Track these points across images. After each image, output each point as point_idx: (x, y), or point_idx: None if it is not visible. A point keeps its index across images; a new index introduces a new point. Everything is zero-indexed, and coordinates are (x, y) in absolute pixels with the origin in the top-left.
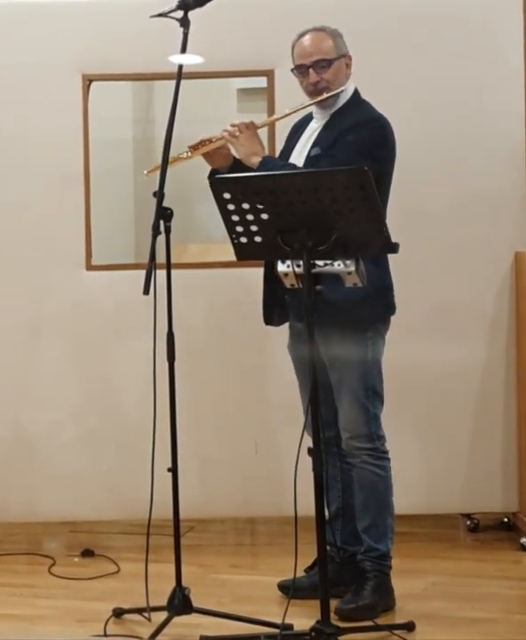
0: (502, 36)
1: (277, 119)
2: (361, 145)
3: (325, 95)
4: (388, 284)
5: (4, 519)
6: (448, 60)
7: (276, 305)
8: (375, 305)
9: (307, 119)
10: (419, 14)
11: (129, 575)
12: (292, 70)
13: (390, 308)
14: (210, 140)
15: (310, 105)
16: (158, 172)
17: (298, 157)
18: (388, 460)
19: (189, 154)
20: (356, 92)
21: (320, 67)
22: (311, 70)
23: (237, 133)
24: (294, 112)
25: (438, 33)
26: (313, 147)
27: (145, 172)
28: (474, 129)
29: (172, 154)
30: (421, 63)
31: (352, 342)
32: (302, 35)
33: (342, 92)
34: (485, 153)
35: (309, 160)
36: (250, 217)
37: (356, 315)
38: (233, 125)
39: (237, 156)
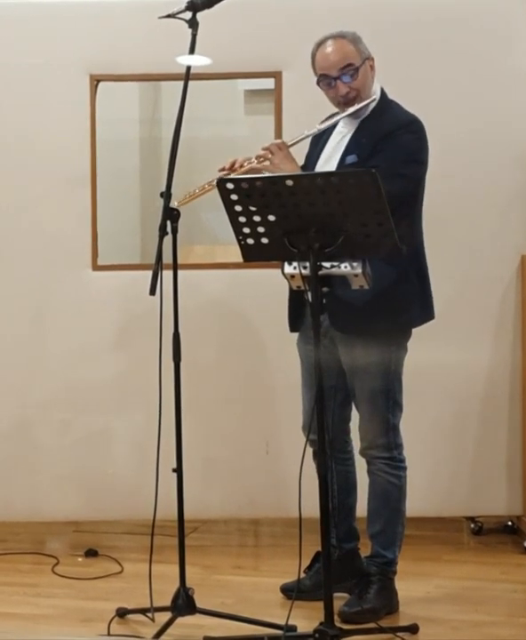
0: (510, 40)
1: (308, 135)
2: (404, 151)
3: (357, 106)
4: (413, 295)
5: (9, 518)
6: (455, 62)
7: (303, 311)
8: (403, 314)
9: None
10: (426, 17)
11: (132, 575)
12: (318, 83)
13: (420, 317)
14: (241, 165)
15: (342, 117)
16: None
17: (327, 164)
18: (404, 468)
19: None
20: (383, 94)
21: (347, 77)
22: (338, 82)
23: (269, 156)
24: (326, 127)
25: (445, 36)
26: (347, 154)
27: (176, 202)
28: (482, 132)
29: (203, 181)
30: (428, 66)
31: (375, 353)
32: (322, 43)
33: (373, 100)
34: (492, 156)
35: (345, 168)
36: (257, 218)
37: (384, 323)
38: (264, 148)
39: None
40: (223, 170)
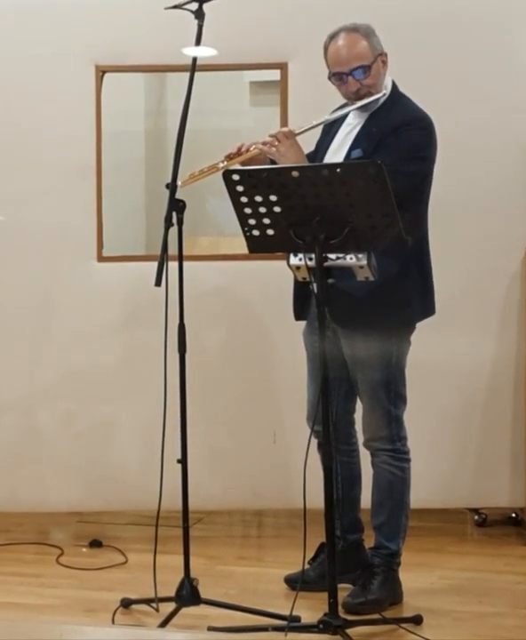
0: (515, 34)
1: (315, 125)
2: (407, 148)
3: (366, 100)
4: (413, 290)
5: (13, 509)
6: (460, 56)
7: (308, 300)
8: (404, 308)
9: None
10: (432, 11)
11: (137, 566)
12: (329, 78)
13: (420, 312)
14: (247, 149)
15: (351, 110)
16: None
17: (334, 156)
18: (408, 460)
19: (225, 163)
20: (394, 87)
21: (358, 73)
22: (350, 78)
23: (276, 143)
24: (334, 119)
25: (451, 29)
26: (353, 148)
27: (179, 182)
28: (487, 125)
29: (207, 164)
30: (433, 60)
31: (376, 345)
32: (334, 37)
33: (383, 95)
34: (498, 149)
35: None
36: (262, 210)
37: (384, 318)
38: (271, 135)
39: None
40: (229, 156)
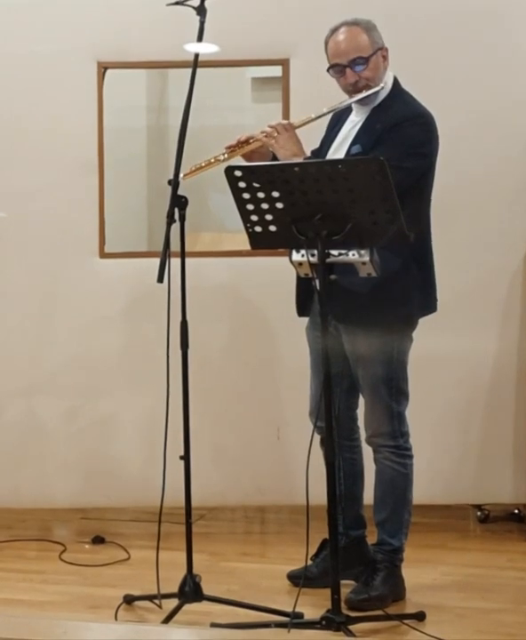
0: (517, 30)
1: (315, 118)
2: (407, 143)
3: (365, 93)
4: (413, 287)
5: (16, 505)
6: (462, 53)
7: (310, 297)
8: (404, 305)
9: (347, 110)
10: (433, 8)
11: (139, 562)
12: (328, 70)
13: (420, 309)
14: (247, 142)
15: (349, 103)
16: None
17: (336, 153)
18: (411, 457)
19: (226, 156)
20: (396, 83)
21: (357, 65)
22: (348, 70)
23: (275, 134)
24: (332, 111)
25: (454, 26)
26: (353, 144)
27: (181, 176)
28: (489, 121)
29: (208, 156)
30: (434, 56)
31: (378, 342)
32: (335, 30)
33: (382, 88)
34: (499, 145)
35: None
36: (265, 206)
37: (383, 314)
38: (270, 126)
39: (278, 158)
40: (230, 147)
